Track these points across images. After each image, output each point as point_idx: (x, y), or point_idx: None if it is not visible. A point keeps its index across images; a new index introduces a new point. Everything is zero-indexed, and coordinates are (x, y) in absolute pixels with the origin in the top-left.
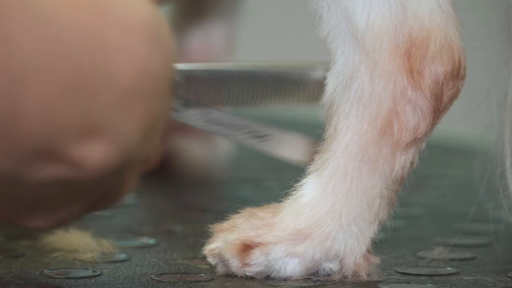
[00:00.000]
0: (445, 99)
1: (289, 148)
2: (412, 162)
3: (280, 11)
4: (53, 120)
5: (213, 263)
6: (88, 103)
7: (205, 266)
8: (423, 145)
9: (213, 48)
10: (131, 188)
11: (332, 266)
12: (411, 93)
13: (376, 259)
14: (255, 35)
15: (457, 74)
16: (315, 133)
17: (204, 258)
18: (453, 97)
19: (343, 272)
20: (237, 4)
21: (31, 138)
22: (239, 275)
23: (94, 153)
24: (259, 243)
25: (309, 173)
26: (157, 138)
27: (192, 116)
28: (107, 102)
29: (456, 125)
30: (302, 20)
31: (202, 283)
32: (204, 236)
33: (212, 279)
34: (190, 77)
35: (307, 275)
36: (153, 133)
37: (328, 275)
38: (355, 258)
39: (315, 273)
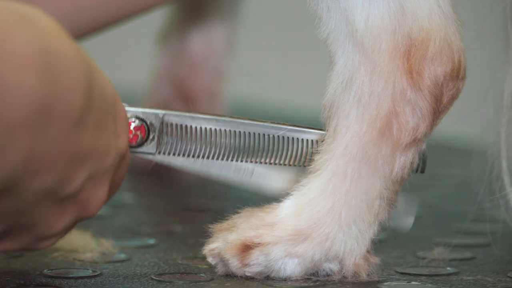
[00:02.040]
0: (445, 99)
1: (269, 180)
2: (412, 163)
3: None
4: None
5: (213, 263)
6: None
7: (205, 266)
8: (423, 146)
9: (214, 49)
10: (46, 221)
11: (332, 266)
12: (410, 94)
13: (376, 260)
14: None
15: (456, 75)
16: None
17: (204, 258)
18: (453, 98)
19: (343, 273)
20: (238, 5)
21: None
22: (238, 275)
23: None
24: (259, 243)
25: (309, 173)
26: (53, 170)
27: (169, 159)
28: (2, 129)
29: (455, 125)
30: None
31: (202, 283)
32: (204, 236)
33: (212, 279)
34: (165, 123)
35: (306, 275)
36: (45, 166)
37: (328, 275)
38: (355, 259)
39: (315, 274)
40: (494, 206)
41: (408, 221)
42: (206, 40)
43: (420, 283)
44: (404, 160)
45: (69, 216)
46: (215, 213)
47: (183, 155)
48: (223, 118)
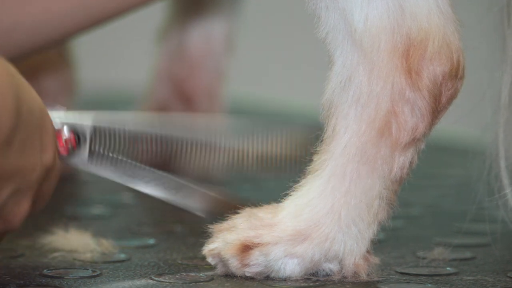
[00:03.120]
0: (444, 99)
1: (198, 201)
2: (411, 163)
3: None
4: None
5: (212, 263)
6: None
7: (205, 266)
8: (422, 145)
9: (213, 49)
10: None
11: (332, 266)
12: (409, 94)
13: (376, 260)
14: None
15: (455, 74)
16: (314, 134)
17: (203, 258)
18: (452, 97)
19: (343, 273)
20: (237, 4)
21: None
22: (238, 275)
23: None
24: (259, 243)
25: (308, 174)
26: None
27: (102, 168)
28: None
29: (455, 125)
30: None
31: (201, 283)
32: (204, 236)
33: (212, 279)
34: (99, 131)
35: (306, 275)
36: None
37: (328, 275)
38: (355, 259)
39: (315, 274)
40: (494, 206)
41: None
42: (205, 40)
43: (420, 283)
44: (403, 160)
45: None
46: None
47: (113, 164)
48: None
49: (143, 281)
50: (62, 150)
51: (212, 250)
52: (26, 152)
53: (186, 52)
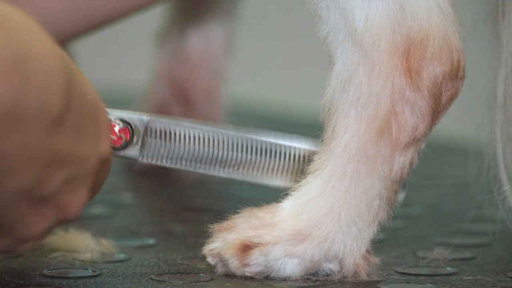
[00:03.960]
0: (444, 99)
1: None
2: (411, 163)
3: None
4: None
5: (212, 263)
6: None
7: (205, 266)
8: (423, 146)
9: (213, 50)
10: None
11: (332, 266)
12: (409, 94)
13: (376, 259)
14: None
15: (456, 75)
16: (314, 134)
17: (203, 258)
18: (452, 98)
19: (343, 273)
20: (236, 5)
21: None
22: (238, 275)
23: None
24: (259, 243)
25: (308, 173)
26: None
27: (155, 158)
28: None
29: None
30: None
31: (201, 283)
32: (204, 236)
33: (212, 279)
34: (153, 125)
35: (306, 275)
36: (21, 166)
37: (328, 275)
38: (355, 259)
39: (315, 274)
40: (493, 206)
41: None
42: (204, 41)
43: (419, 283)
44: (403, 160)
45: (49, 219)
46: (215, 213)
47: (167, 160)
48: (207, 127)
49: (143, 281)
50: (115, 142)
51: (212, 250)
52: (79, 138)
53: (186, 54)
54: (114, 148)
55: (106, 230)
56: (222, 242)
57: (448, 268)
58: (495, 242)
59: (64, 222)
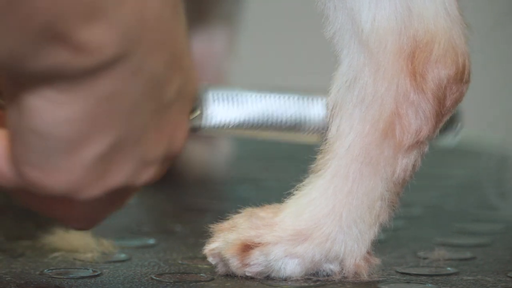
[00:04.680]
0: (448, 102)
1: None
2: (414, 165)
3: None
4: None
5: (213, 263)
6: None
7: (205, 266)
8: (426, 148)
9: (215, 49)
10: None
11: (332, 267)
12: (413, 96)
13: (376, 260)
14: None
15: (460, 78)
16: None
17: (204, 258)
18: (457, 101)
19: (343, 273)
20: (238, 8)
21: (38, 17)
22: (239, 275)
23: (97, 37)
24: (259, 243)
25: (311, 173)
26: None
27: (220, 127)
28: None
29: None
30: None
31: (202, 283)
32: (204, 236)
33: (212, 279)
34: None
35: (307, 275)
36: (158, 45)
37: (328, 275)
38: (355, 260)
39: (315, 274)
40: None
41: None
42: (207, 42)
43: (420, 283)
44: (406, 162)
45: (164, 141)
46: (215, 213)
47: (228, 126)
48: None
49: (144, 281)
50: None
51: (212, 249)
52: (186, 44)
53: None
54: None
55: (106, 230)
56: (223, 242)
57: (449, 268)
58: (496, 242)
59: (170, 158)
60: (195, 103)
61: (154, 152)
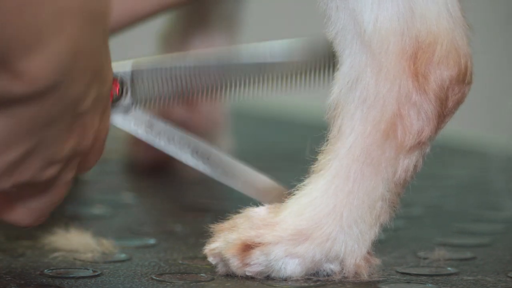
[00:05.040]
0: (450, 103)
1: (234, 178)
2: (415, 166)
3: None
4: (3, 30)
5: (213, 263)
6: (33, 15)
7: (206, 266)
8: (428, 149)
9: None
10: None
11: (333, 267)
12: (415, 97)
13: (377, 260)
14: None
15: (463, 79)
16: (319, 134)
17: (204, 258)
18: (459, 102)
19: (344, 273)
20: (239, 10)
21: None
22: (239, 275)
23: (35, 68)
24: (260, 243)
25: (312, 173)
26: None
27: (133, 124)
28: (50, 15)
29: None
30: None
31: (202, 283)
32: (205, 236)
33: (213, 279)
34: (137, 77)
35: (307, 275)
36: (81, 70)
37: (329, 275)
38: (356, 260)
39: (316, 274)
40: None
41: None
42: (207, 45)
43: (420, 283)
44: (407, 163)
45: (72, 142)
46: (215, 213)
47: (158, 100)
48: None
49: (144, 281)
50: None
51: (213, 249)
52: (105, 54)
53: None
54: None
55: (106, 230)
56: (223, 242)
57: (449, 268)
58: (496, 242)
59: (76, 155)
60: (122, 86)
61: (61, 152)
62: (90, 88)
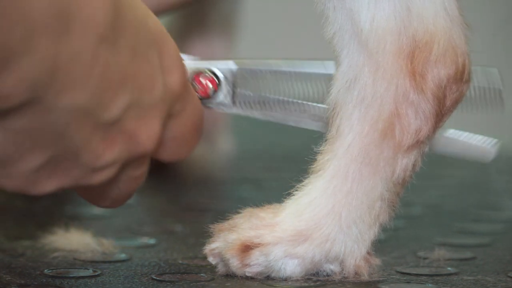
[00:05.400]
0: (448, 102)
1: None
2: (414, 165)
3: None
4: None
5: (213, 263)
6: (4, 34)
7: (206, 266)
8: (426, 148)
9: (213, 55)
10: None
11: (332, 267)
12: (413, 96)
13: (376, 261)
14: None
15: (460, 78)
16: (317, 134)
17: (204, 258)
18: (457, 101)
19: (344, 274)
20: (237, 12)
21: None
22: (239, 275)
23: (6, 87)
24: (259, 243)
25: (311, 173)
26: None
27: (247, 109)
28: (20, 34)
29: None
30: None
31: (202, 283)
32: (205, 236)
33: (213, 279)
34: (241, 72)
35: (307, 275)
36: (74, 81)
37: (329, 276)
38: (355, 260)
39: (315, 274)
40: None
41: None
42: (205, 47)
43: (420, 283)
44: (406, 162)
45: (118, 147)
46: (215, 213)
47: (260, 105)
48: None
49: (144, 281)
50: (203, 92)
51: (212, 249)
52: (139, 63)
53: None
54: (203, 99)
55: (106, 230)
56: (223, 242)
57: (449, 268)
58: (496, 242)
59: (138, 155)
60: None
61: (104, 158)
62: (109, 97)
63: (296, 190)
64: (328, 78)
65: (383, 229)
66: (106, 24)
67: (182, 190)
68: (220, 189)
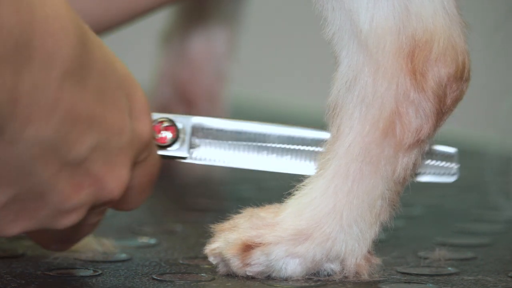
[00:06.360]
0: (449, 101)
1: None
2: (414, 164)
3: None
4: None
5: (214, 263)
6: None
7: (206, 266)
8: (427, 147)
9: (215, 52)
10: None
11: (333, 267)
12: (414, 95)
13: (377, 260)
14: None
15: (460, 76)
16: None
17: (205, 258)
18: (457, 99)
19: (344, 273)
20: (239, 7)
21: None
22: (240, 275)
23: None
24: (260, 243)
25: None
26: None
27: (203, 158)
28: None
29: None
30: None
31: (203, 283)
32: (205, 236)
33: (213, 279)
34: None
35: (308, 275)
36: (37, 114)
37: (329, 275)
38: (356, 259)
39: (316, 274)
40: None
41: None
42: (207, 43)
43: (421, 283)
44: (406, 161)
45: (85, 191)
46: (216, 213)
47: (217, 160)
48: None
49: (145, 281)
50: (161, 140)
51: (213, 249)
52: (106, 105)
53: (189, 55)
54: (161, 146)
55: (107, 229)
56: (224, 242)
57: (450, 268)
58: (496, 242)
59: (105, 202)
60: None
61: (71, 201)
62: (76, 135)
63: (297, 190)
64: (289, 140)
65: (384, 229)
66: (72, 58)
67: (183, 190)
68: (220, 189)
